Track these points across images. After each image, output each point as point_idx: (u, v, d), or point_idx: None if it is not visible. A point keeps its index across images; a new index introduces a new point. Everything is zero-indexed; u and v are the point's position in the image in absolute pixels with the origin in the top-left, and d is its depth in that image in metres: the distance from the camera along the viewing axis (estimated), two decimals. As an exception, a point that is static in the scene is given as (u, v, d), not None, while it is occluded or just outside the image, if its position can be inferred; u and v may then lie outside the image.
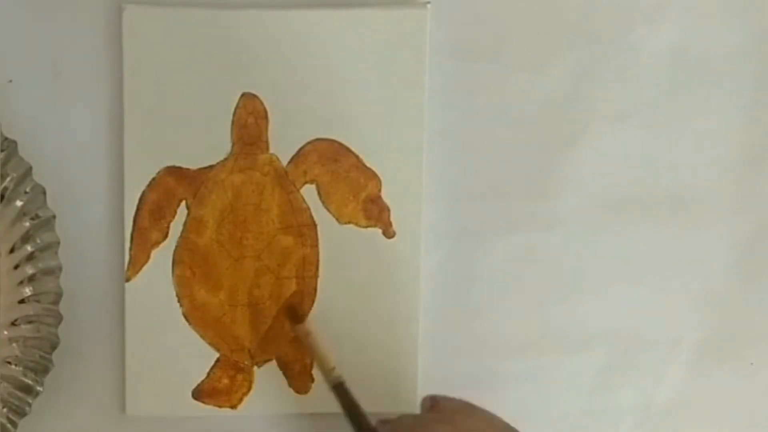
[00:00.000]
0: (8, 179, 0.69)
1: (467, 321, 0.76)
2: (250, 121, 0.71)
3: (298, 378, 0.74)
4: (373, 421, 0.69)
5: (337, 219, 0.73)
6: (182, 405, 0.73)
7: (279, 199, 0.72)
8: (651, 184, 0.76)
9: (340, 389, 0.70)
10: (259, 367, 0.74)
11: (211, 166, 0.72)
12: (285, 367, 0.74)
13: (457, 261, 0.75)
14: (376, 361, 0.74)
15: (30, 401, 0.71)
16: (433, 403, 0.69)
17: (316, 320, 0.73)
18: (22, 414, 0.71)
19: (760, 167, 0.76)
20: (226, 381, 0.74)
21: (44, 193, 0.70)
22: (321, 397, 0.73)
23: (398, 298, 0.73)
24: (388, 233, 0.73)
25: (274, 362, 0.74)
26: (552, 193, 0.75)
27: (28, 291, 0.70)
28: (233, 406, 0.74)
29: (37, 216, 0.70)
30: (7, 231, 0.69)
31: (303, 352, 0.74)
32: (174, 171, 0.72)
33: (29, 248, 0.70)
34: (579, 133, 0.75)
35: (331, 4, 0.71)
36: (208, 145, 0.72)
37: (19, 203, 0.69)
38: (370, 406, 0.73)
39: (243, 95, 0.71)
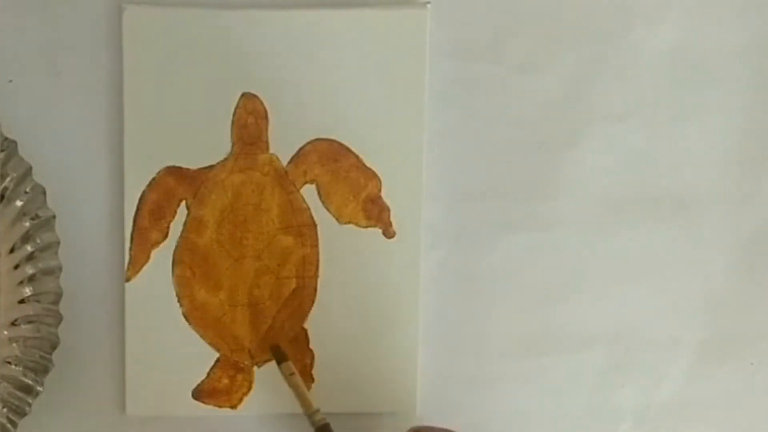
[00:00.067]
0: (8, 179, 0.69)
1: (467, 321, 0.75)
2: (250, 121, 0.71)
3: (298, 378, 0.74)
4: None
5: (337, 219, 0.73)
6: (182, 405, 0.73)
7: (279, 199, 0.72)
8: (651, 184, 0.75)
9: (325, 431, 0.70)
10: (259, 367, 0.74)
11: (211, 166, 0.72)
12: (285, 367, 0.74)
13: (457, 261, 0.75)
14: (376, 361, 0.74)
15: (30, 401, 0.71)
16: None
17: (316, 320, 0.73)
18: (22, 414, 0.71)
19: (760, 167, 0.76)
20: (226, 381, 0.74)
21: (44, 193, 0.70)
22: (321, 397, 0.73)
23: (398, 298, 0.73)
24: (388, 233, 0.73)
25: (274, 362, 0.74)
26: (552, 193, 0.75)
27: (28, 291, 0.70)
28: (233, 406, 0.74)
29: (37, 216, 0.70)
30: (7, 231, 0.69)
31: (303, 352, 0.74)
32: (174, 171, 0.72)
33: (29, 248, 0.70)
34: (579, 133, 0.75)
35: (331, 4, 0.71)
36: (208, 145, 0.72)
37: (19, 203, 0.69)
38: (370, 406, 0.73)
39: (243, 95, 0.71)
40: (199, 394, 0.74)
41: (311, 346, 0.74)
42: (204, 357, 0.73)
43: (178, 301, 0.73)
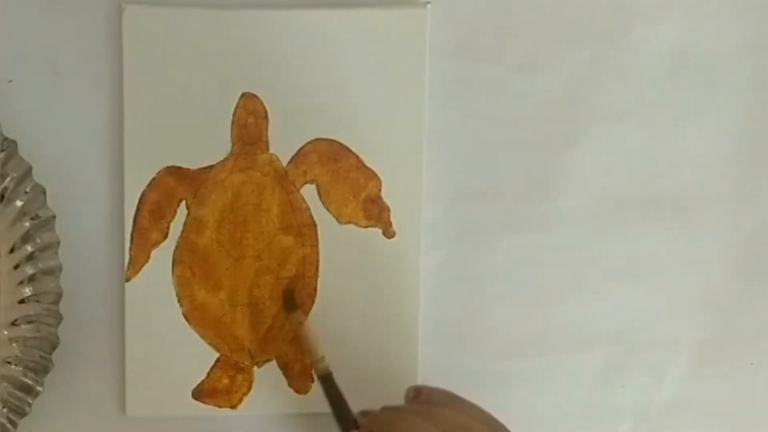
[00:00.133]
0: (8, 179, 0.69)
1: (467, 321, 0.76)
2: (250, 121, 0.71)
3: (298, 378, 0.74)
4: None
5: (337, 219, 0.73)
6: (182, 405, 0.73)
7: (279, 199, 0.72)
8: (651, 184, 0.76)
9: (326, 380, 0.70)
10: (259, 367, 0.74)
11: (211, 166, 0.72)
12: (285, 367, 0.74)
13: (457, 261, 0.75)
14: (376, 360, 0.74)
15: (30, 401, 0.71)
16: (416, 394, 0.69)
17: (316, 320, 0.73)
18: (22, 414, 0.71)
19: (760, 167, 0.76)
20: (226, 381, 0.74)
21: (44, 193, 0.70)
22: (321, 397, 0.73)
23: (398, 298, 0.73)
24: (388, 233, 0.73)
25: (274, 362, 0.74)
26: (552, 193, 0.75)
27: (28, 291, 0.70)
28: (233, 406, 0.74)
29: (37, 216, 0.70)
30: (7, 231, 0.69)
31: (303, 352, 0.74)
32: (174, 171, 0.72)
33: (29, 248, 0.70)
34: (579, 133, 0.75)
35: (331, 4, 0.71)
36: (208, 145, 0.72)
37: (19, 203, 0.69)
38: (370, 405, 0.73)
39: (243, 95, 0.71)
40: (199, 394, 0.74)
41: (311, 346, 0.74)
42: (204, 357, 0.73)
43: (178, 301, 0.73)
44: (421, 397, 0.68)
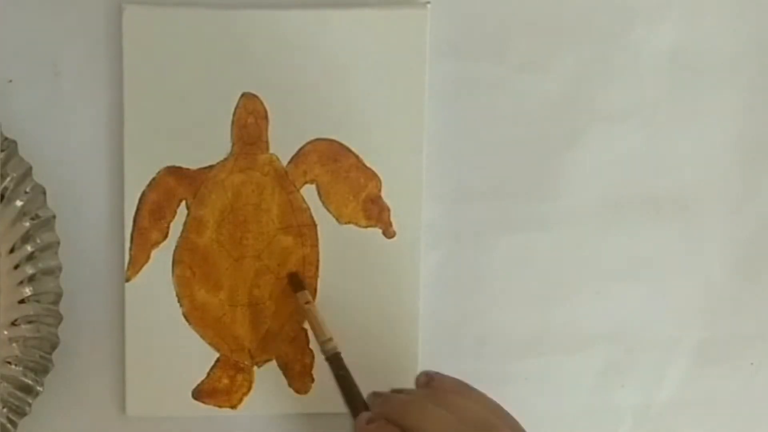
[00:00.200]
0: (8, 179, 0.69)
1: (467, 321, 0.76)
2: (250, 121, 0.71)
3: (298, 378, 0.74)
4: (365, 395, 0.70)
5: (337, 219, 0.73)
6: (182, 405, 0.73)
7: (279, 199, 0.72)
8: (651, 184, 0.76)
9: (335, 360, 0.70)
10: (259, 367, 0.74)
11: (211, 166, 0.72)
12: (285, 367, 0.74)
13: (457, 261, 0.75)
14: (376, 360, 0.74)
15: (30, 401, 0.71)
16: (428, 380, 0.68)
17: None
18: (22, 414, 0.71)
19: (760, 167, 0.76)
20: (226, 381, 0.74)
21: (44, 193, 0.70)
22: (321, 397, 0.73)
23: (398, 298, 0.73)
24: (388, 233, 0.73)
25: (274, 362, 0.74)
26: (552, 193, 0.75)
27: (28, 291, 0.70)
28: (233, 406, 0.74)
29: (37, 216, 0.70)
30: (7, 231, 0.69)
31: (303, 352, 0.74)
32: (174, 171, 0.72)
33: (29, 248, 0.70)
34: (579, 133, 0.75)
35: (331, 4, 0.71)
36: (208, 145, 0.72)
37: (19, 203, 0.69)
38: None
39: (243, 95, 0.71)
40: (199, 394, 0.74)
41: (311, 346, 0.74)
42: (204, 357, 0.73)
43: (178, 301, 0.73)
44: (432, 383, 0.68)
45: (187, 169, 0.72)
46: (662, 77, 0.75)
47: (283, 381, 0.74)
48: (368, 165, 0.72)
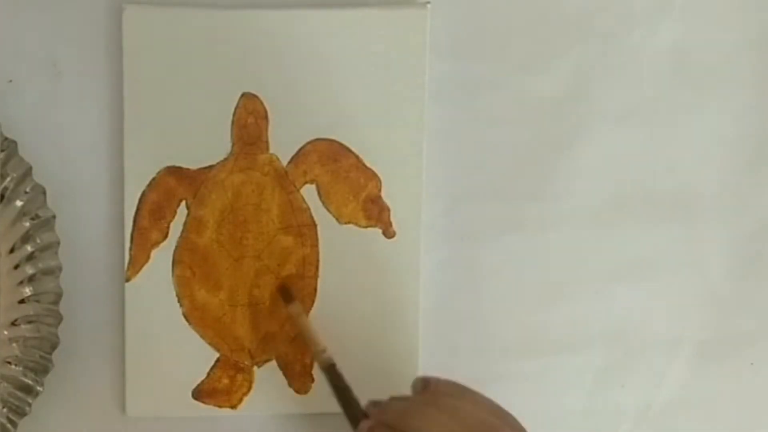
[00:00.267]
0: (8, 179, 0.69)
1: (467, 321, 0.76)
2: (250, 121, 0.71)
3: (298, 378, 0.74)
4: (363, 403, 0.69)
5: (337, 219, 0.73)
6: (182, 405, 0.73)
7: (279, 199, 0.72)
8: (651, 184, 0.76)
9: (331, 371, 0.70)
10: (259, 367, 0.74)
11: (211, 166, 0.72)
12: (285, 367, 0.74)
13: (457, 261, 0.75)
14: (376, 360, 0.74)
15: (30, 401, 0.71)
16: (424, 384, 0.68)
17: (316, 320, 0.73)
18: (22, 414, 0.71)
19: (760, 167, 0.76)
20: (226, 381, 0.74)
21: (44, 193, 0.70)
22: (321, 397, 0.73)
23: (398, 298, 0.73)
24: (388, 233, 0.73)
25: (274, 362, 0.74)
26: (552, 193, 0.75)
27: (28, 291, 0.70)
28: (233, 406, 0.74)
29: (37, 216, 0.70)
30: (7, 231, 0.69)
31: (303, 351, 0.74)
32: (174, 171, 0.72)
33: (29, 248, 0.70)
34: (579, 133, 0.75)
35: (331, 4, 0.71)
36: (208, 145, 0.72)
37: (19, 203, 0.69)
38: (370, 406, 0.73)
39: (243, 95, 0.71)
40: (199, 394, 0.74)
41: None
42: (204, 357, 0.73)
43: (178, 301, 0.73)
44: (429, 387, 0.68)
45: (187, 169, 0.72)
46: (662, 77, 0.75)
47: (283, 381, 0.74)
48: (368, 165, 0.72)
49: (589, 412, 0.77)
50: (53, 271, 0.70)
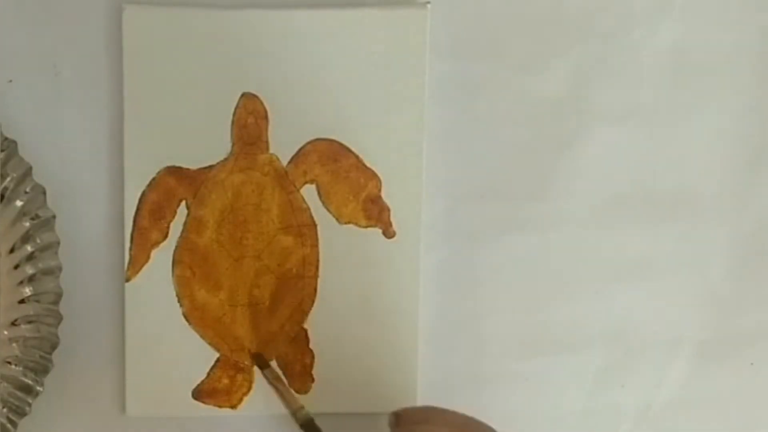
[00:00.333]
0: (8, 179, 0.69)
1: (467, 321, 0.76)
2: (250, 121, 0.71)
3: (298, 378, 0.74)
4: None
5: (337, 219, 0.73)
6: (182, 405, 0.73)
7: (279, 199, 0.72)
8: (651, 184, 0.75)
9: (309, 426, 0.71)
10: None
11: (211, 166, 0.72)
12: (285, 367, 0.74)
13: (457, 261, 0.75)
14: (376, 361, 0.74)
15: (30, 401, 0.71)
16: (396, 419, 0.68)
17: (316, 320, 0.73)
18: (22, 414, 0.71)
19: (761, 167, 0.76)
20: (226, 381, 0.74)
21: (44, 193, 0.70)
22: (321, 397, 0.73)
23: (398, 298, 0.73)
24: (388, 233, 0.73)
25: (274, 362, 0.74)
26: (552, 193, 0.75)
27: (28, 291, 0.70)
28: (233, 406, 0.74)
29: (37, 216, 0.70)
30: (7, 231, 0.69)
31: (303, 352, 0.74)
32: (174, 171, 0.72)
33: (29, 248, 0.70)
34: (579, 133, 0.75)
35: (331, 4, 0.71)
36: (208, 145, 0.72)
37: (19, 203, 0.69)
38: (370, 406, 0.73)
39: (243, 95, 0.71)
40: (199, 394, 0.74)
41: (311, 346, 0.74)
42: (204, 357, 0.73)
43: (178, 301, 0.73)
44: (402, 420, 0.68)
45: (187, 169, 0.72)
46: (662, 77, 0.75)
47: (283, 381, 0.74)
48: (368, 165, 0.72)
49: (589, 412, 0.77)
50: (53, 271, 0.70)
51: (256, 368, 0.74)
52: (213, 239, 0.72)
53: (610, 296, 0.76)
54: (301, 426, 0.71)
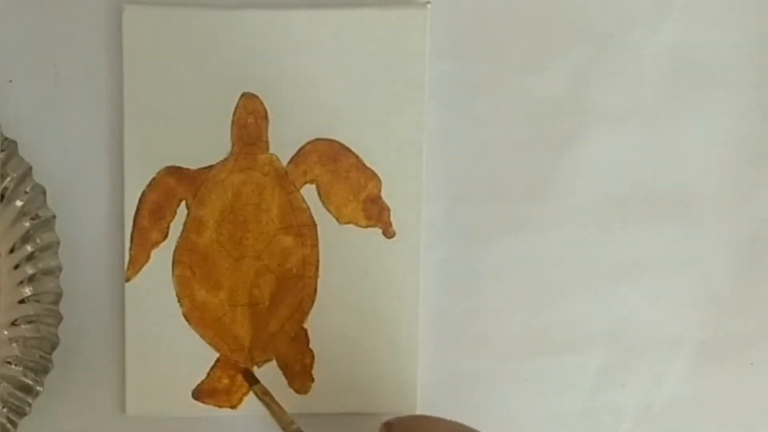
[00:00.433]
0: (8, 179, 0.69)
1: (467, 321, 0.76)
2: (250, 121, 0.71)
3: (298, 378, 0.74)
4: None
5: (337, 219, 0.73)
6: (182, 405, 0.73)
7: (279, 199, 0.72)
8: (651, 184, 0.76)
9: None
10: (259, 367, 0.74)
11: (211, 166, 0.72)
12: (285, 367, 0.74)
13: (457, 261, 0.75)
14: (376, 361, 0.74)
15: (30, 401, 0.71)
16: (388, 429, 0.68)
17: (316, 320, 0.73)
18: (22, 414, 0.71)
19: (761, 167, 0.76)
20: (226, 381, 0.74)
21: (44, 193, 0.70)
22: (321, 397, 0.73)
23: (398, 298, 0.73)
24: (388, 233, 0.73)
25: (274, 362, 0.74)
26: (552, 193, 0.75)
27: (28, 291, 0.70)
28: (233, 406, 0.74)
29: (37, 216, 0.70)
30: (7, 231, 0.69)
31: (303, 352, 0.74)
32: (174, 171, 0.72)
33: (29, 248, 0.70)
34: (579, 133, 0.75)
35: (331, 4, 0.71)
36: (208, 145, 0.72)
37: (19, 203, 0.69)
38: (370, 406, 0.73)
39: (243, 95, 0.71)
40: (199, 394, 0.74)
41: (311, 346, 0.74)
42: (204, 357, 0.73)
43: (178, 301, 0.73)
44: (394, 429, 0.68)
45: (187, 169, 0.72)
46: (662, 77, 0.75)
47: (283, 381, 0.74)
48: (368, 165, 0.72)
49: (589, 412, 0.77)
50: (53, 271, 0.70)
51: (255, 368, 0.74)
52: (213, 239, 0.72)
53: (610, 296, 0.76)
54: None
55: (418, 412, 0.74)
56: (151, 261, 0.72)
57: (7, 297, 0.69)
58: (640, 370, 0.77)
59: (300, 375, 0.74)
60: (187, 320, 0.73)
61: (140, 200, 0.72)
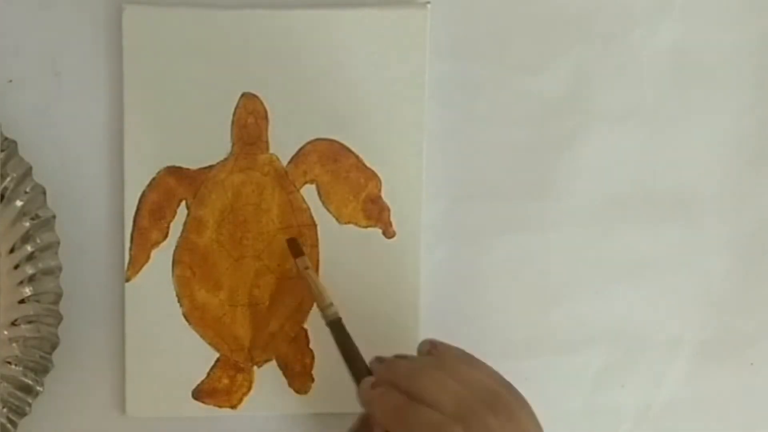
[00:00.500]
0: (8, 179, 0.69)
1: (467, 321, 0.75)
2: (250, 121, 0.71)
3: (298, 378, 0.74)
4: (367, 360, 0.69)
5: (337, 219, 0.73)
6: (182, 405, 0.73)
7: (279, 199, 0.72)
8: (651, 184, 0.76)
9: (336, 325, 0.70)
10: (259, 367, 0.74)
11: (211, 166, 0.72)
12: (285, 367, 0.74)
13: (457, 261, 0.75)
14: (376, 361, 0.74)
15: (30, 401, 0.71)
16: (431, 348, 0.68)
17: (316, 320, 0.73)
18: (22, 414, 0.71)
19: (760, 167, 0.76)
20: (226, 381, 0.73)
21: (44, 193, 0.70)
22: (321, 397, 0.73)
23: (398, 298, 0.73)
24: (388, 233, 0.73)
25: (274, 362, 0.74)
26: (552, 193, 0.75)
27: (28, 291, 0.70)
28: (233, 406, 0.74)
29: (37, 216, 0.70)
30: (7, 231, 0.69)
31: (303, 352, 0.74)
32: (174, 171, 0.72)
33: (29, 248, 0.70)
34: (579, 133, 0.75)
35: (331, 4, 0.71)
36: (208, 145, 0.72)
37: (19, 203, 0.69)
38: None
39: (243, 95, 0.71)
40: (199, 394, 0.73)
41: (311, 346, 0.74)
42: (204, 357, 0.73)
43: (178, 301, 0.73)
44: (436, 350, 0.68)
45: (187, 169, 0.72)
46: (662, 77, 0.75)
47: (283, 381, 0.74)
48: (368, 165, 0.72)
49: (589, 412, 0.77)
50: (53, 271, 0.70)
51: (255, 368, 0.74)
52: (213, 239, 0.72)
53: (610, 296, 0.76)
54: (328, 324, 0.70)
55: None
56: (151, 261, 0.72)
57: (7, 297, 0.69)
58: (640, 370, 0.77)
59: (300, 375, 0.74)
60: (187, 320, 0.73)
61: (140, 200, 0.72)
